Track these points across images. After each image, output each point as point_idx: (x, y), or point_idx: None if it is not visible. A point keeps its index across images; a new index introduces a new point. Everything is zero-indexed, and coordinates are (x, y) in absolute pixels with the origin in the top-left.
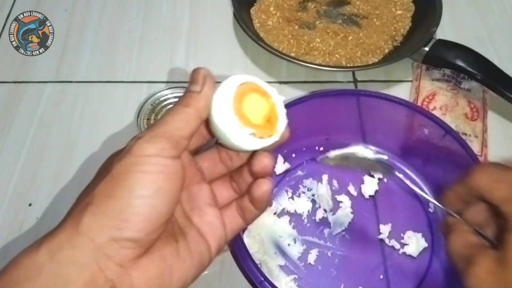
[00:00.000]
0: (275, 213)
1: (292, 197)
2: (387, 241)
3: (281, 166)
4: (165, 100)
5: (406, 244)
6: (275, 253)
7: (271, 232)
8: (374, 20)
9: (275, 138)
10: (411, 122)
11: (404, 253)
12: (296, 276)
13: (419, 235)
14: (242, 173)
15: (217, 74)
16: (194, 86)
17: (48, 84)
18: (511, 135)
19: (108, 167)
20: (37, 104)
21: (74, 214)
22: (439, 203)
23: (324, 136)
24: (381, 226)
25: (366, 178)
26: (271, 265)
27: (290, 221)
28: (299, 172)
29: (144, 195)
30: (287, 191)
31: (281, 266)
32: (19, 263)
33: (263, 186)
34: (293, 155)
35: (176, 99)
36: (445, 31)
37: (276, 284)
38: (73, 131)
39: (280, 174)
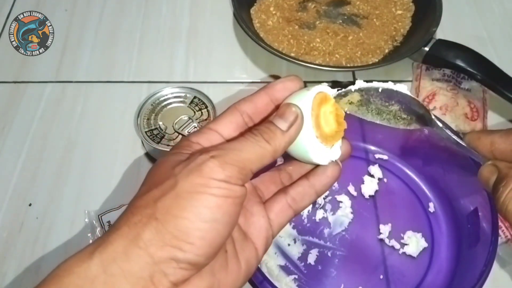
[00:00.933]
0: None
1: None
2: (387, 241)
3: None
4: (165, 100)
5: (406, 244)
6: (275, 253)
7: None
8: (374, 20)
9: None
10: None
11: (404, 253)
12: (296, 276)
13: (419, 235)
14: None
15: (217, 75)
16: (280, 122)
17: (48, 84)
18: None
19: (171, 177)
20: (37, 104)
21: (132, 224)
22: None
23: None
24: (381, 226)
25: (366, 178)
26: (271, 265)
27: (290, 221)
28: None
29: (211, 220)
30: None
31: (281, 266)
32: (70, 271)
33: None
34: None
35: (176, 99)
36: (445, 31)
37: (276, 284)
38: (73, 131)
39: None
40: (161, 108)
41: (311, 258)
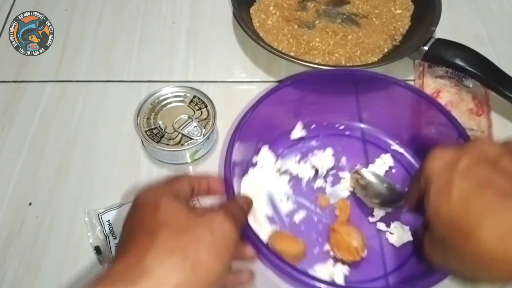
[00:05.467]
0: (278, 170)
1: (298, 162)
2: (375, 224)
3: (298, 132)
4: (164, 99)
5: (392, 233)
6: (266, 203)
7: (269, 184)
8: (374, 19)
9: None
10: (427, 117)
11: (387, 239)
12: (278, 228)
13: (406, 228)
14: None
15: (217, 74)
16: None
17: (48, 83)
18: (510, 134)
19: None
20: (37, 104)
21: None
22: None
23: (349, 115)
24: (375, 210)
25: (378, 160)
26: (260, 213)
27: (289, 181)
28: (313, 142)
29: None
30: (296, 155)
31: (268, 216)
32: None
33: None
34: (313, 126)
35: (176, 98)
36: (444, 30)
37: (257, 228)
38: (73, 131)
39: (294, 140)
40: (160, 108)
41: (297, 218)
